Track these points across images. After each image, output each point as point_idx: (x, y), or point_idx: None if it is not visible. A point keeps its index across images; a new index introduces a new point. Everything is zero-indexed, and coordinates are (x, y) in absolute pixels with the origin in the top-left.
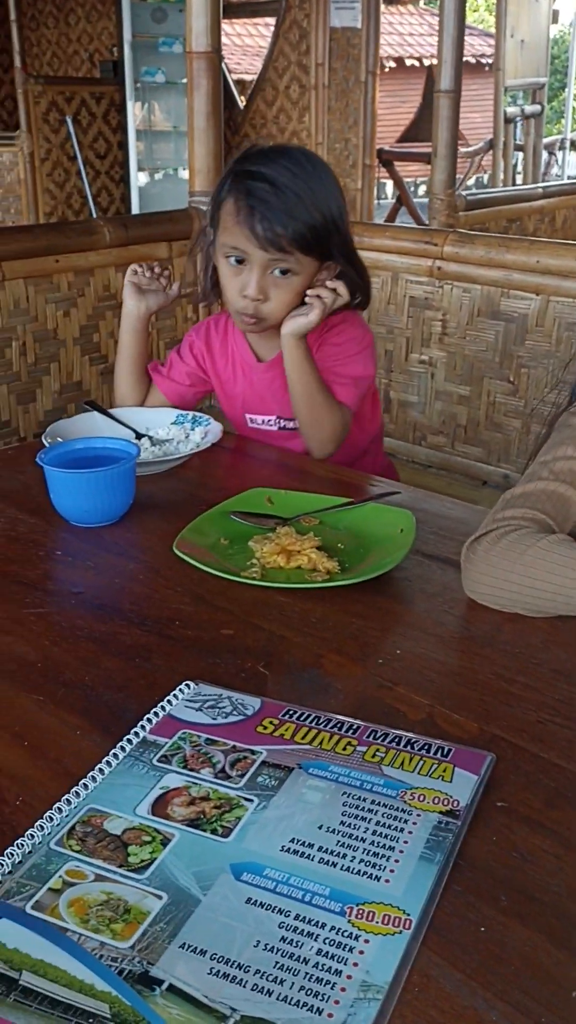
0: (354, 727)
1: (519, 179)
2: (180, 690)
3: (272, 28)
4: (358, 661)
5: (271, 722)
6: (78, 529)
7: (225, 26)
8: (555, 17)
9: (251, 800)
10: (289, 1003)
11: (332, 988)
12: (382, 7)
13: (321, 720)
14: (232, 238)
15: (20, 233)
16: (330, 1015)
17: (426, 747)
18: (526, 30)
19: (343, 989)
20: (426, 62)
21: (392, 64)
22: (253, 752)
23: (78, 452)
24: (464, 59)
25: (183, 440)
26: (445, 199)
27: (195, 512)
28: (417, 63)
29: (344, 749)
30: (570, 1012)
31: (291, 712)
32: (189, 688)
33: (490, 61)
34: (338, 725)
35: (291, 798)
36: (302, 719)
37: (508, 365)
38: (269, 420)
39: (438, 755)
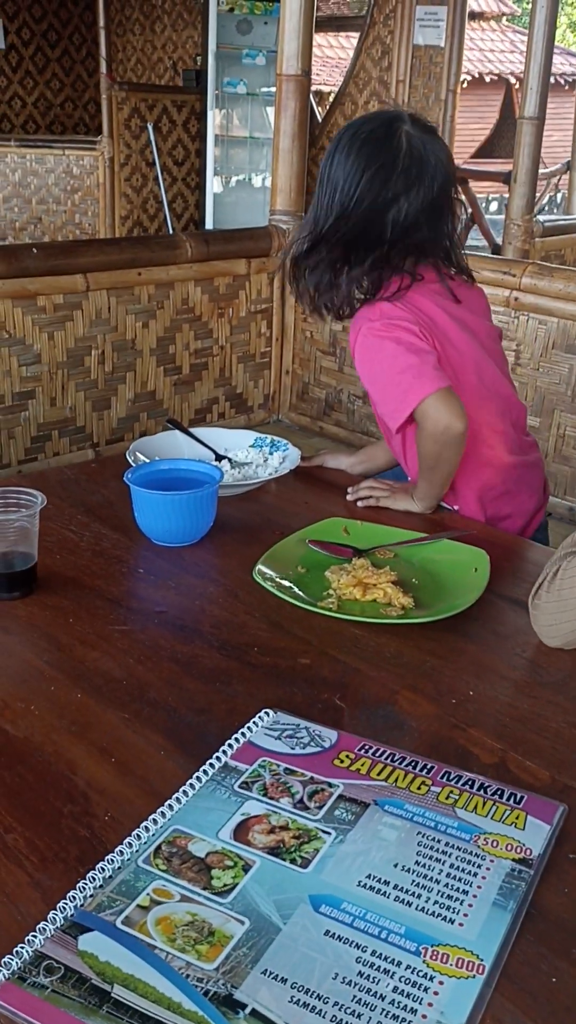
0: (428, 767)
1: None
2: (260, 717)
3: (355, 42)
4: (432, 700)
5: (347, 756)
6: (160, 548)
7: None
8: None
9: (329, 833)
10: None
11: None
12: (466, 22)
13: (396, 758)
14: None
15: (107, 246)
16: None
17: (499, 792)
18: None
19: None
20: (506, 78)
21: (470, 79)
22: (330, 785)
23: (163, 473)
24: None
25: (261, 464)
26: (522, 225)
27: (272, 537)
28: (496, 79)
29: (419, 788)
30: None
31: (367, 747)
32: (268, 716)
33: (571, 80)
34: (412, 764)
35: (367, 834)
36: (378, 755)
37: None
38: None
39: (511, 801)
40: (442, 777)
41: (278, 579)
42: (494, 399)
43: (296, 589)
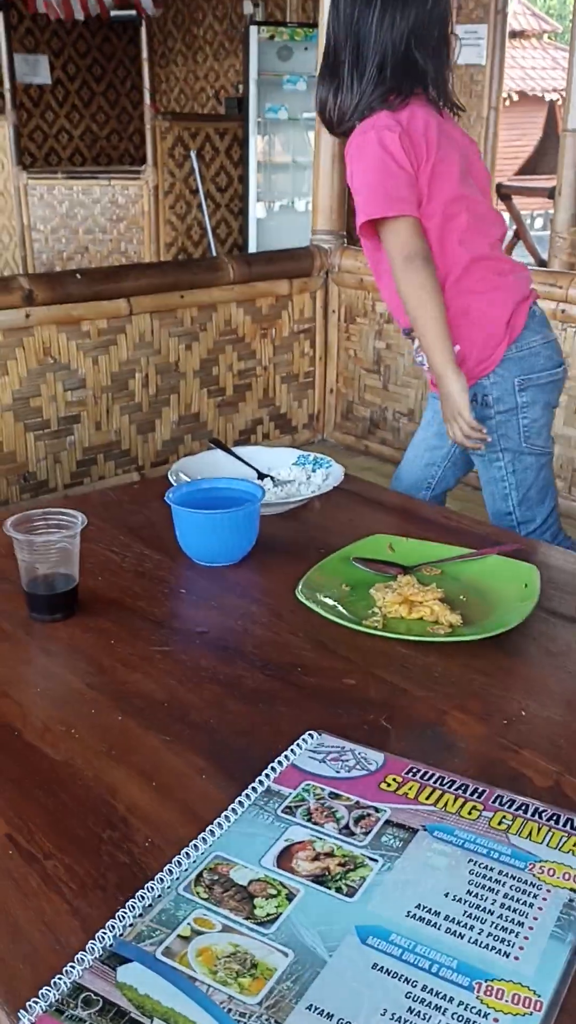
0: (479, 791)
1: None
2: (304, 740)
3: None
4: (482, 720)
5: (394, 779)
6: (202, 568)
7: None
8: None
9: (375, 860)
10: None
11: None
12: (507, 41)
13: (445, 781)
14: None
15: (149, 269)
16: None
17: (555, 818)
18: None
19: None
20: (547, 96)
21: (515, 97)
22: (377, 810)
23: (204, 492)
24: None
25: (304, 482)
26: (568, 237)
27: (316, 555)
28: (539, 96)
29: (469, 813)
30: None
31: (414, 771)
32: (312, 738)
33: None
34: (463, 788)
35: (416, 862)
36: (426, 778)
37: None
38: None
39: (567, 827)
40: (494, 801)
41: (322, 598)
42: (477, 218)
43: (340, 608)
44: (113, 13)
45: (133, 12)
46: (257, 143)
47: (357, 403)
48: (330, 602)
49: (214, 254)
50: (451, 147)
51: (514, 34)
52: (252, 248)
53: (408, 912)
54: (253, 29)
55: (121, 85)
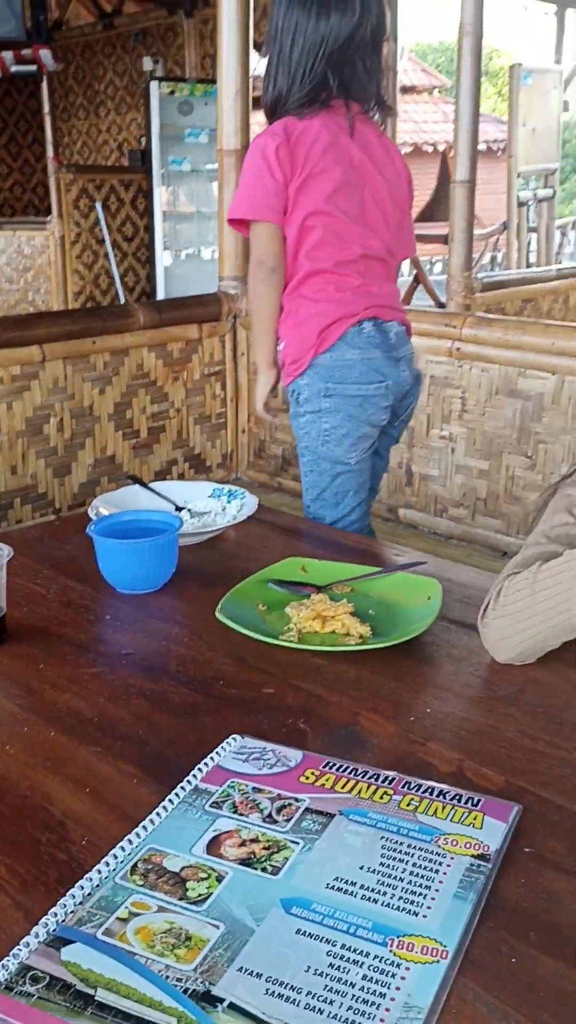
0: (390, 778)
1: (532, 259)
2: (228, 743)
3: None
4: (391, 719)
5: (312, 773)
6: (125, 596)
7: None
8: (566, 107)
9: (297, 843)
10: (339, 1020)
11: (378, 1008)
12: (398, 96)
13: (359, 772)
14: None
15: (61, 317)
16: None
17: (457, 797)
18: (537, 118)
19: (387, 1010)
20: (440, 147)
21: (409, 149)
22: (297, 799)
23: (124, 523)
24: (479, 145)
25: (220, 513)
26: (462, 281)
27: (233, 580)
28: (432, 148)
29: (381, 798)
30: None
31: (331, 764)
32: (235, 741)
33: (504, 147)
34: (375, 776)
35: (334, 842)
36: (341, 771)
37: (526, 441)
38: None
39: (468, 804)
40: (403, 787)
41: (240, 617)
42: (332, 235)
43: (258, 625)
44: (13, 68)
45: (34, 67)
46: (162, 194)
47: (269, 441)
48: (248, 621)
49: (122, 301)
50: (335, 164)
51: (406, 89)
52: (160, 295)
53: (327, 884)
54: (154, 84)
55: (23, 138)
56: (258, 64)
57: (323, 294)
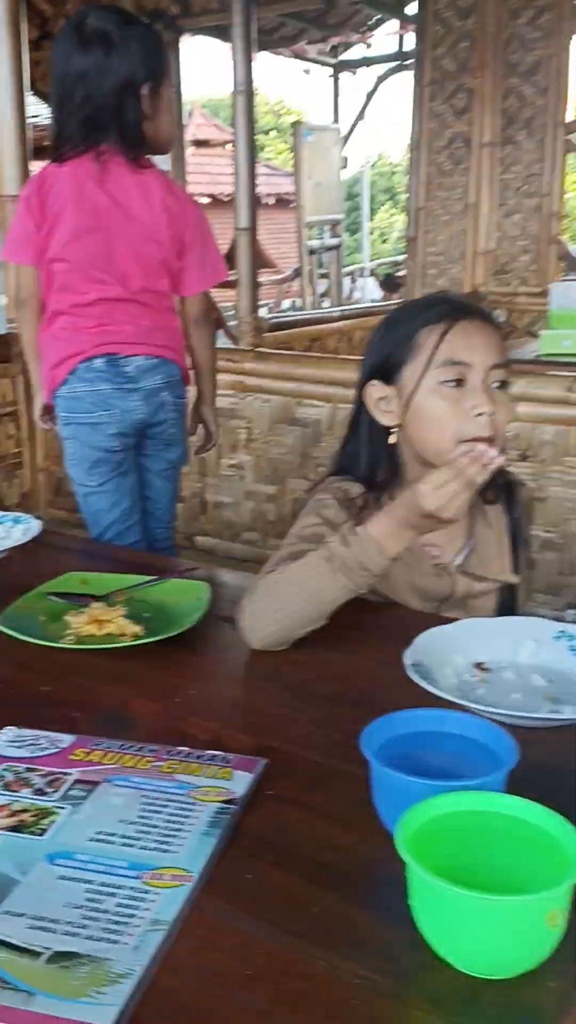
0: (153, 749)
1: (326, 303)
2: (3, 733)
3: None
4: (157, 701)
5: (82, 751)
6: None
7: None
8: (345, 163)
9: (64, 808)
10: (94, 940)
11: (127, 926)
12: (192, 149)
13: (125, 746)
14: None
15: None
16: (126, 943)
17: (211, 758)
18: (321, 173)
19: (137, 926)
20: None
21: (207, 200)
22: (66, 773)
23: None
24: (271, 196)
25: (5, 537)
26: (250, 322)
27: (16, 597)
28: (229, 198)
29: (144, 765)
30: (313, 924)
31: (99, 743)
32: (11, 731)
33: (291, 197)
34: (139, 748)
35: (99, 804)
36: (109, 747)
37: (307, 465)
38: None
39: (220, 763)
40: (165, 754)
41: (22, 627)
42: (65, 280)
43: (38, 633)
44: None
45: None
46: None
47: (67, 479)
48: (29, 630)
49: None
50: (76, 212)
51: (199, 143)
52: None
53: (89, 838)
54: None
55: None
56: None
57: (63, 333)
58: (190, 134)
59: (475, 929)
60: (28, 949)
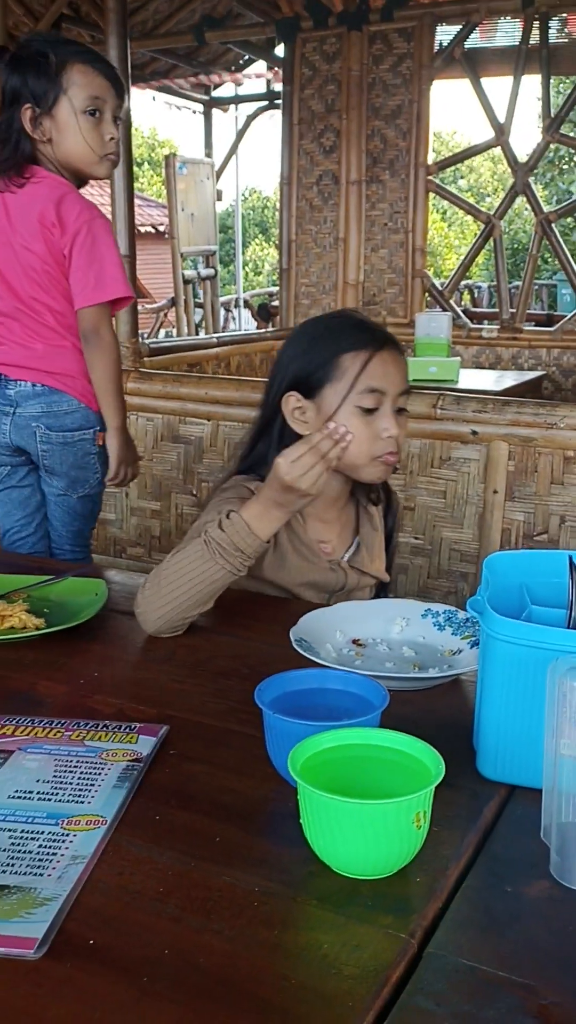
0: (63, 722)
1: (202, 332)
2: None
3: None
4: (63, 683)
5: None
6: None
7: None
8: (219, 196)
9: None
10: (20, 875)
11: (50, 862)
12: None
13: (36, 721)
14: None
15: None
16: (50, 875)
17: (117, 727)
18: (195, 205)
19: (59, 861)
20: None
21: None
22: None
23: None
24: (147, 227)
25: None
26: (130, 347)
27: None
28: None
29: (55, 735)
30: (216, 850)
31: (11, 719)
32: None
33: (165, 229)
34: (49, 722)
35: (15, 768)
36: (21, 723)
37: (191, 480)
38: None
39: (125, 730)
40: (73, 726)
41: None
42: None
43: None
44: None
45: None
46: None
47: None
48: None
49: None
50: None
51: None
52: None
53: (9, 795)
54: None
55: None
56: None
57: None
58: None
59: (354, 833)
60: None
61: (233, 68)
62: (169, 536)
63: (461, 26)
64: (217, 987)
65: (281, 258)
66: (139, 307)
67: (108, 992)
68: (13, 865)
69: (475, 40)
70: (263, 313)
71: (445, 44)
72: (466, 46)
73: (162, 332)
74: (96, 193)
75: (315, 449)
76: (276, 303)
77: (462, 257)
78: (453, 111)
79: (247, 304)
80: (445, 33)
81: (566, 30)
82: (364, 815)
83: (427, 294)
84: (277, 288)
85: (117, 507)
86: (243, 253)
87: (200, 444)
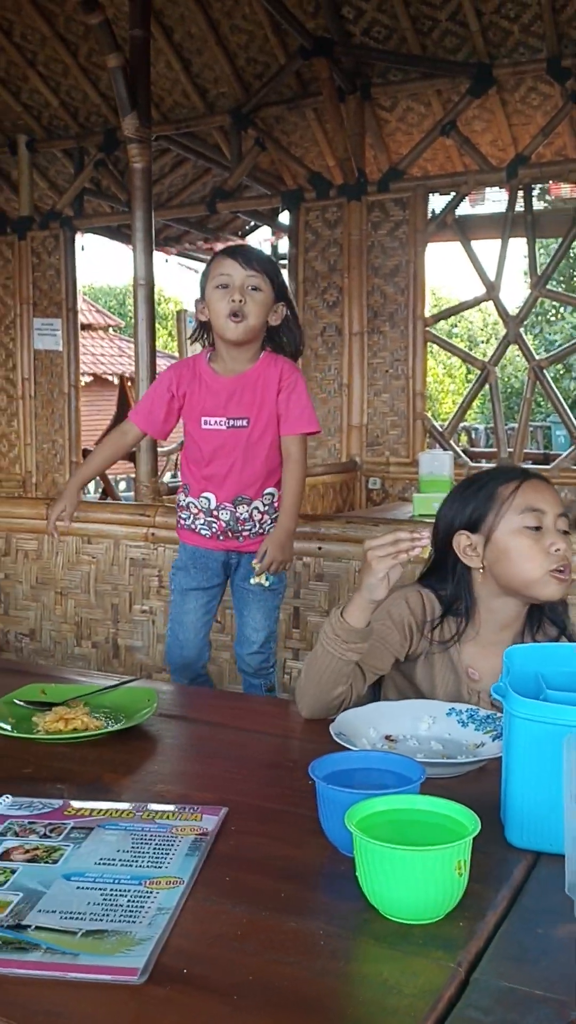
0: (133, 805)
1: None
2: (2, 800)
3: None
4: (127, 776)
5: (72, 809)
6: None
7: None
8: None
9: (68, 845)
10: (115, 922)
11: (139, 912)
12: (80, 333)
13: (108, 804)
14: (221, 268)
15: None
16: (140, 922)
17: (182, 808)
18: None
19: (147, 912)
20: (115, 379)
21: (90, 379)
22: (64, 823)
23: None
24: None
25: None
26: (150, 485)
27: None
28: (111, 378)
29: (128, 815)
30: (281, 902)
31: (86, 803)
32: (8, 799)
33: None
34: (120, 805)
35: (97, 841)
36: (95, 806)
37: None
38: (219, 421)
39: (191, 811)
40: (142, 808)
41: None
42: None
43: (12, 730)
44: None
45: None
46: None
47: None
48: (4, 726)
49: None
50: None
51: (84, 327)
52: None
53: (95, 862)
54: None
55: None
56: None
57: None
58: None
59: (404, 879)
60: (65, 930)
61: (240, 233)
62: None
63: (452, 195)
64: (298, 1004)
65: None
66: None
67: (205, 1009)
68: (108, 915)
69: (465, 208)
70: None
71: (437, 211)
72: (457, 213)
73: (167, 475)
74: (106, 346)
75: (396, 538)
76: None
77: (459, 400)
78: (446, 268)
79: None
80: (437, 202)
81: (548, 196)
82: (413, 862)
83: (428, 435)
84: None
85: (144, 635)
86: None
87: None
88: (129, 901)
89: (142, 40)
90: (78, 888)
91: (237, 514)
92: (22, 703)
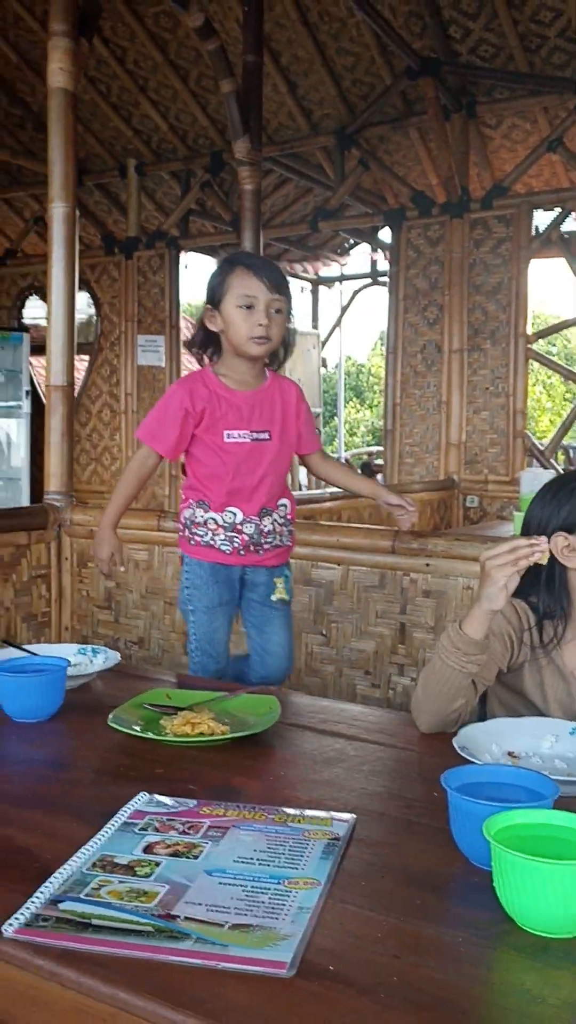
0: (264, 808)
1: (305, 488)
2: (139, 797)
3: (87, 363)
4: (256, 779)
5: (208, 809)
6: (21, 724)
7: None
8: (324, 363)
9: (207, 843)
10: (259, 917)
11: (282, 909)
12: (182, 350)
13: (242, 806)
14: (246, 288)
15: None
16: (283, 919)
17: (313, 813)
18: (301, 372)
19: (288, 910)
20: None
21: None
22: (201, 822)
23: (18, 665)
24: None
25: (88, 664)
26: None
27: (107, 710)
28: None
29: (260, 818)
30: (419, 909)
31: (219, 803)
32: (145, 796)
33: None
34: (253, 807)
35: (233, 840)
36: (230, 807)
37: (320, 621)
38: (243, 434)
39: (321, 816)
40: (274, 811)
41: (126, 727)
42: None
43: (143, 731)
44: None
45: None
46: None
47: (92, 636)
48: (136, 728)
49: None
50: None
51: (185, 343)
52: None
53: (234, 860)
54: None
55: None
56: None
57: None
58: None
59: (544, 892)
60: (212, 922)
61: (339, 251)
62: (299, 673)
63: (557, 211)
64: (441, 1005)
65: (385, 420)
66: None
67: (352, 1004)
68: (252, 910)
69: (570, 224)
70: (366, 471)
71: (541, 228)
72: (562, 229)
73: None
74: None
75: (514, 546)
76: (379, 461)
77: (556, 419)
78: (548, 285)
79: (347, 462)
80: (542, 218)
81: None
82: (555, 876)
83: (527, 453)
84: (376, 447)
85: None
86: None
87: (330, 587)
88: (271, 898)
89: (255, 65)
90: (220, 884)
91: (261, 527)
92: (150, 707)
